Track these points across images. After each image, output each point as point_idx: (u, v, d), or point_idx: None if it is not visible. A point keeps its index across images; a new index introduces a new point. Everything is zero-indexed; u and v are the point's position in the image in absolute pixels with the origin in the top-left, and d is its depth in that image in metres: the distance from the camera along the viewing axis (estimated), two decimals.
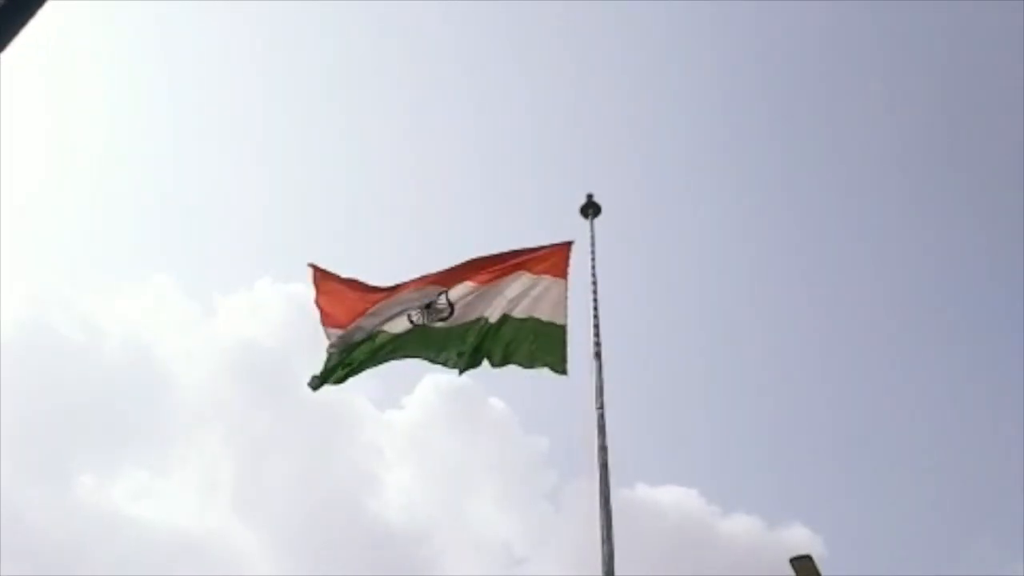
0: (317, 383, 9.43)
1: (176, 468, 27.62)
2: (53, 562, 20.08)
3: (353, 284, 9.65)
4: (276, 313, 29.30)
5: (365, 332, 9.51)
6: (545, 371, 9.43)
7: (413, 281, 9.65)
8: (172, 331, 30.63)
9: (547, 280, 9.64)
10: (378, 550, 25.07)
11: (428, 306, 9.54)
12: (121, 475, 27.36)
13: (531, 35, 34.17)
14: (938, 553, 27.31)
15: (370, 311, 9.47)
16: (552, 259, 9.73)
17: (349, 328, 9.45)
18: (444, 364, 9.61)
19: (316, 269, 9.64)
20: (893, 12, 30.33)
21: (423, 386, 27.21)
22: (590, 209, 10.00)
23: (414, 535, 26.57)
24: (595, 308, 9.32)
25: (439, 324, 9.52)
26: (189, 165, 35.33)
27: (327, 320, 9.49)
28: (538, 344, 9.38)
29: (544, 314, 9.47)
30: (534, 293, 9.60)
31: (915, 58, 32.53)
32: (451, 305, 9.54)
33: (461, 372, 9.59)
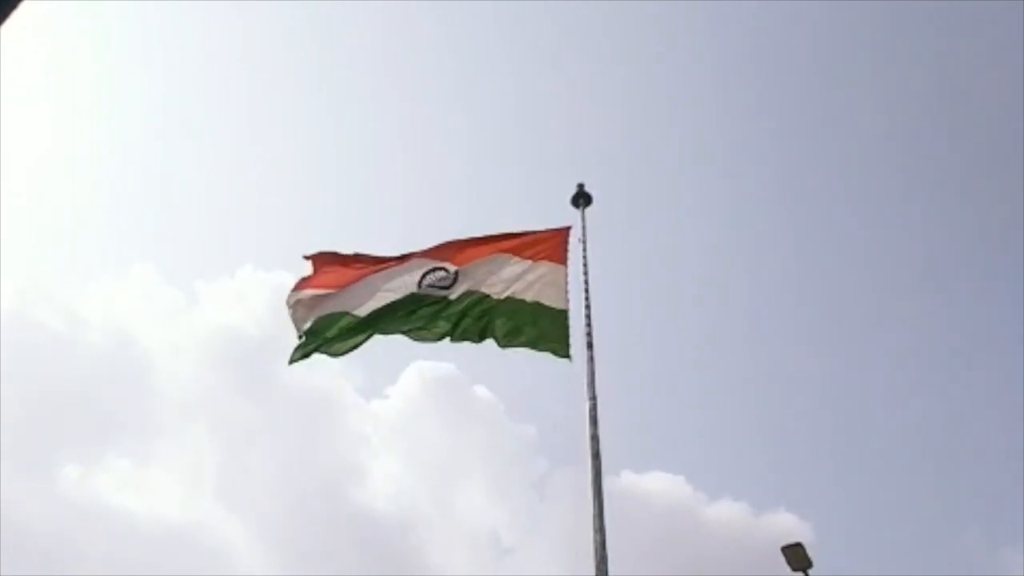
0: (297, 356, 9.43)
1: (160, 458, 27.57)
2: (39, 554, 19.98)
3: (350, 259, 9.70)
4: (259, 301, 29.21)
5: (352, 305, 9.49)
6: (545, 355, 9.40)
7: (412, 255, 9.69)
8: (155, 320, 30.54)
9: (546, 265, 9.66)
10: (364, 539, 25.11)
11: (427, 275, 9.58)
12: (105, 466, 27.25)
13: (522, 26, 34.10)
14: (928, 539, 27.66)
15: (361, 283, 9.48)
16: (550, 244, 9.76)
17: (332, 301, 9.46)
18: (436, 338, 9.58)
19: (314, 257, 9.66)
20: (889, 8, 30.39)
21: (408, 375, 27.24)
22: (581, 199, 10.00)
23: (400, 524, 26.65)
24: (587, 298, 9.31)
25: (438, 293, 9.52)
26: (169, 154, 35.09)
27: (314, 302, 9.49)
28: (540, 328, 9.39)
29: (545, 299, 9.49)
30: (532, 277, 9.62)
31: (911, 55, 32.69)
32: (454, 278, 9.57)
33: (453, 340, 9.57)
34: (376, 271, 9.61)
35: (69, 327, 27.90)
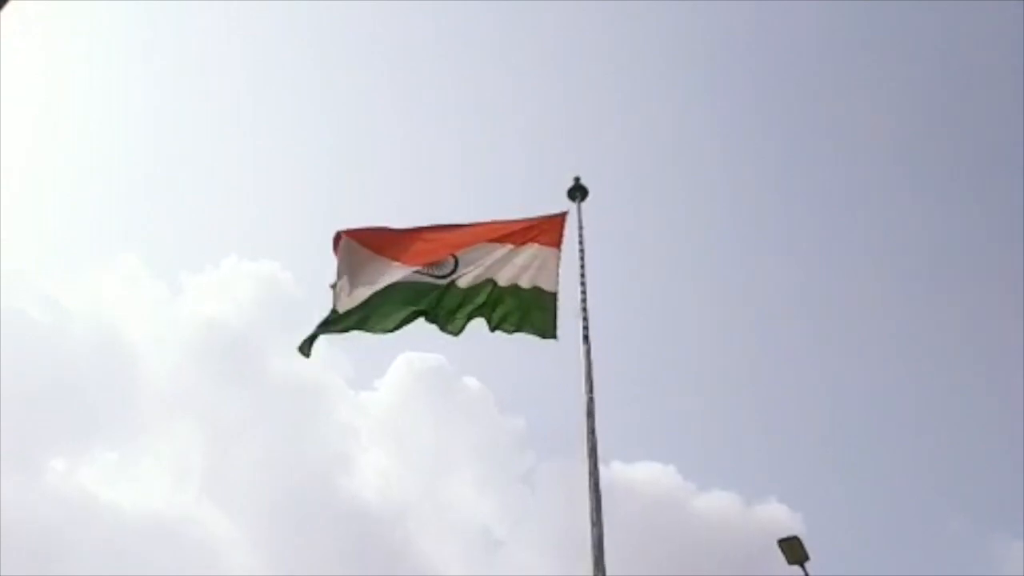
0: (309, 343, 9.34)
1: (147, 451, 27.37)
2: (25, 548, 19.79)
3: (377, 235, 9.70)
4: (244, 292, 29.06)
5: (367, 292, 9.44)
6: (530, 336, 9.47)
7: (416, 233, 9.69)
8: (139, 311, 30.28)
9: (539, 249, 9.70)
10: (353, 532, 25.02)
11: (433, 265, 9.59)
12: (91, 459, 27.06)
13: (519, 20, 33.90)
14: (916, 528, 27.89)
15: (376, 271, 9.46)
16: (546, 228, 9.78)
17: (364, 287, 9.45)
18: (440, 327, 9.55)
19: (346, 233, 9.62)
20: (889, 7, 30.45)
21: (396, 365, 27.13)
22: (577, 192, 9.96)
23: (389, 517, 26.56)
24: (583, 292, 9.26)
25: (441, 280, 9.52)
26: (152, 143, 34.77)
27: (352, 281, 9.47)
28: (527, 310, 9.43)
29: (534, 281, 9.53)
30: (525, 261, 9.65)
31: (910, 53, 32.75)
32: (455, 264, 9.58)
33: (456, 334, 9.56)
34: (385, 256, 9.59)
35: (52, 317, 27.63)
